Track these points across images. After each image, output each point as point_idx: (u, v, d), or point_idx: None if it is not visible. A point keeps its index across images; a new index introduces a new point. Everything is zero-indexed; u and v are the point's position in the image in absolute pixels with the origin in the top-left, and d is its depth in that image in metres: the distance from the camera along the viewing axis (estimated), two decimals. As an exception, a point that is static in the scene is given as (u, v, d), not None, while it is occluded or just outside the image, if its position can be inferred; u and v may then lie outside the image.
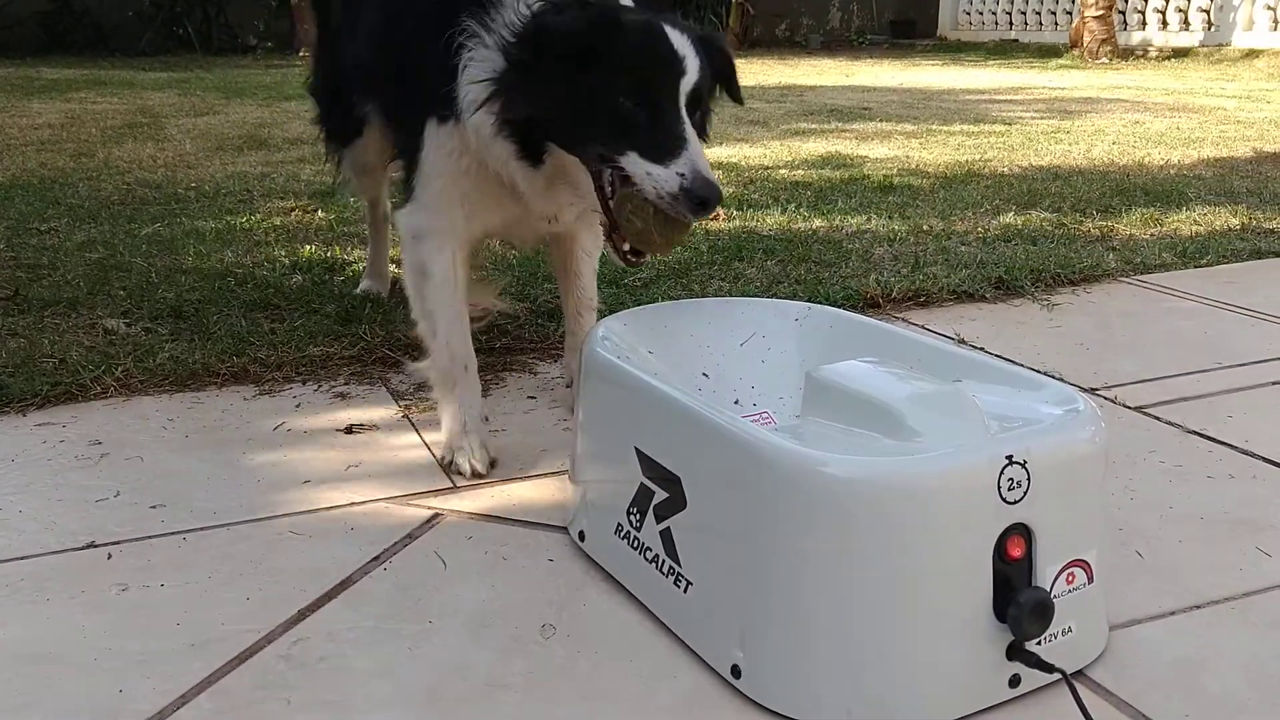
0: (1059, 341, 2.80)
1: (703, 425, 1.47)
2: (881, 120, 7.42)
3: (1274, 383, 2.51)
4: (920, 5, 19.25)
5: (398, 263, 2.84)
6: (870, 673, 1.34)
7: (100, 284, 3.08)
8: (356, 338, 2.68)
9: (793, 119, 7.44)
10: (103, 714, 1.36)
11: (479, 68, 1.87)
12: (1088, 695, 1.37)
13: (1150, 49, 14.53)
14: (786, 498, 1.35)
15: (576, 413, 1.80)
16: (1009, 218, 4.10)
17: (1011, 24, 17.26)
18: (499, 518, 1.87)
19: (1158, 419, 2.30)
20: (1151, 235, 3.90)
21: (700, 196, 1.71)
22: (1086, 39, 14.14)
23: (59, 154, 5.51)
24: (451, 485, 1.99)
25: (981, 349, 2.68)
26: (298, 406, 2.35)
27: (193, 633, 1.53)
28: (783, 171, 5.22)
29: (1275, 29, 13.66)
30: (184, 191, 4.58)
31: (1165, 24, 14.88)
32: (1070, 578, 1.39)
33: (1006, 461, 1.32)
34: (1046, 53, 14.94)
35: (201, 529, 1.82)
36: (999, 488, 1.32)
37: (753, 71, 11.53)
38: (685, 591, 1.49)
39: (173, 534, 1.80)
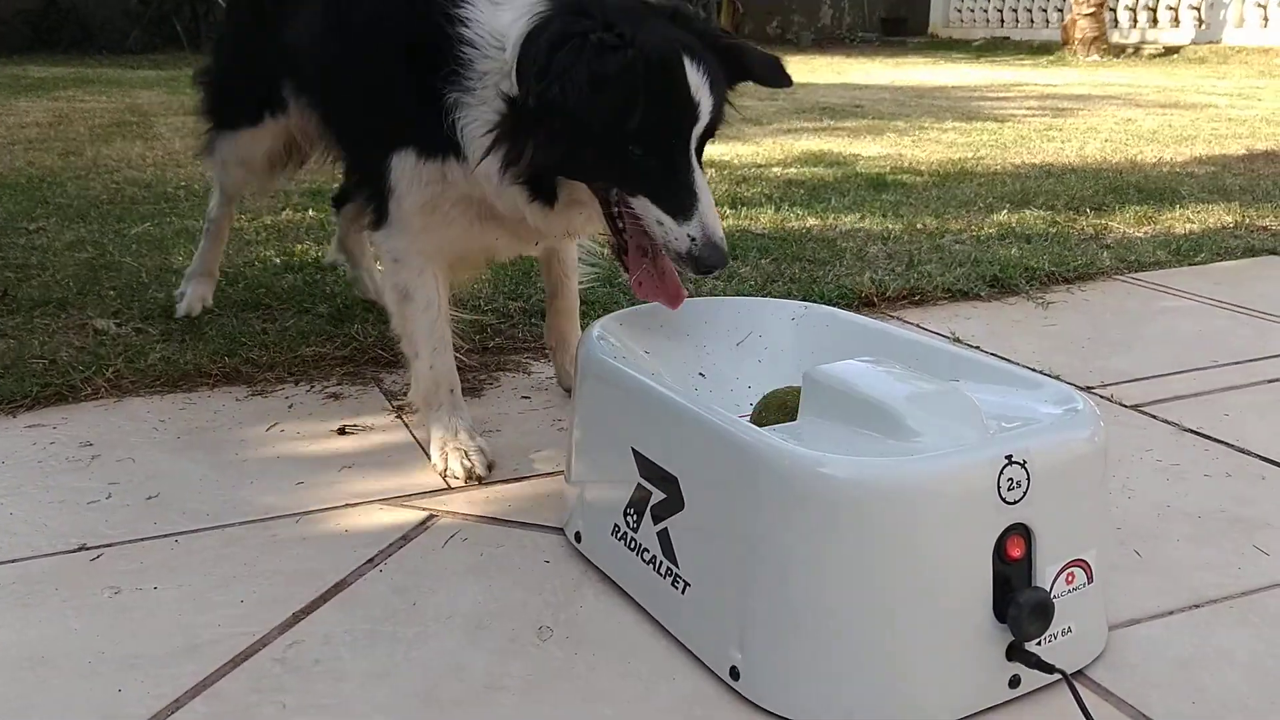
0: (1054, 340, 2.80)
1: (700, 426, 1.46)
2: (874, 118, 7.42)
3: (1269, 380, 2.51)
4: (911, 2, 19.27)
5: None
6: (869, 674, 1.33)
7: (90, 284, 3.06)
8: (349, 338, 2.67)
9: (785, 117, 7.43)
10: (97, 719, 1.35)
11: (478, 112, 1.77)
12: (1088, 695, 1.37)
13: (1141, 46, 14.58)
14: (784, 498, 1.34)
15: (572, 413, 1.79)
16: (1003, 215, 4.10)
17: (1003, 21, 17.29)
18: (494, 519, 1.86)
19: (1154, 417, 2.30)
20: (1145, 233, 3.90)
21: (707, 265, 1.71)
22: (1078, 36, 14.18)
23: (47, 153, 5.47)
24: (446, 486, 1.98)
25: (977, 348, 2.67)
26: (290, 407, 2.34)
27: (186, 636, 1.51)
28: (775, 169, 5.22)
29: (1266, 27, 13.71)
30: (174, 190, 4.54)
31: (1156, 21, 14.93)
32: (1070, 578, 1.39)
33: (1006, 461, 1.32)
34: (1038, 50, 14.96)
35: (194, 531, 1.81)
36: (998, 488, 1.31)
37: (745, 69, 11.49)
38: (683, 593, 1.48)
39: (165, 536, 1.79)
